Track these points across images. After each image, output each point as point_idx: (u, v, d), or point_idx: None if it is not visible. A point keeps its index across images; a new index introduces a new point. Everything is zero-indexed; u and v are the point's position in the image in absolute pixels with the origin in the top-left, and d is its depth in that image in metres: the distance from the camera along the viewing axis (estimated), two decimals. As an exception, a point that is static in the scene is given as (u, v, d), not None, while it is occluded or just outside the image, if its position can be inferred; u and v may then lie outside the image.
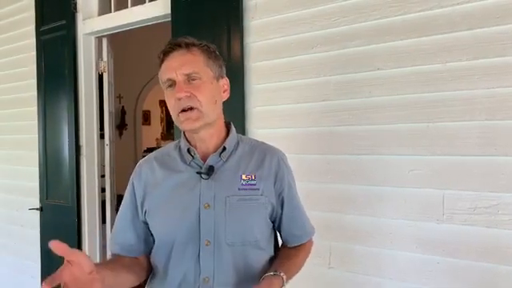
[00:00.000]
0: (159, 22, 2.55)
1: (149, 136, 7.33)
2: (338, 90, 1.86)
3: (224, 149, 1.21)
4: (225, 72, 1.25)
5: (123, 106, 6.22)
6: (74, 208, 2.86)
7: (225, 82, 1.24)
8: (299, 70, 1.96)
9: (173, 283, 1.18)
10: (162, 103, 7.32)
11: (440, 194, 1.63)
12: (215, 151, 1.21)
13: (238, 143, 1.25)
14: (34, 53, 3.07)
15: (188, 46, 1.17)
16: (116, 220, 1.28)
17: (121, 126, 6.22)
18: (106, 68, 2.97)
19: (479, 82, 1.56)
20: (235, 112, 2.03)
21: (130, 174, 1.28)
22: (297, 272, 1.25)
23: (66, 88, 2.88)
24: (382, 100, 1.75)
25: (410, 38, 1.69)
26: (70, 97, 2.87)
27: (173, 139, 1.62)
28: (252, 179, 1.19)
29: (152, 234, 1.23)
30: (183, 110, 1.14)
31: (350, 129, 1.83)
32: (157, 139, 7.76)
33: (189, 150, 1.21)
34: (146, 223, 1.23)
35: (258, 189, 1.19)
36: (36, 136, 3.06)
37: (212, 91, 1.17)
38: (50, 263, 2.86)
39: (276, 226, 1.28)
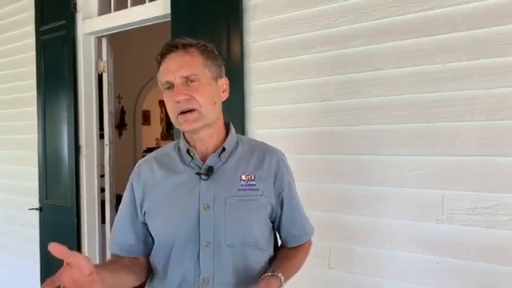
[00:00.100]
0: (159, 22, 2.55)
1: (148, 136, 7.32)
2: (338, 90, 1.85)
3: (223, 149, 1.20)
4: (224, 71, 1.24)
5: (123, 106, 6.21)
6: (74, 208, 2.86)
7: (224, 82, 1.23)
8: (299, 70, 1.95)
9: (172, 284, 1.18)
10: (162, 103, 7.21)
11: (440, 194, 1.63)
12: (215, 152, 1.20)
13: (237, 143, 1.25)
14: (33, 53, 3.07)
15: (185, 47, 1.15)
16: (115, 220, 1.28)
17: (120, 126, 6.21)
18: (106, 68, 2.97)
19: (479, 82, 1.56)
20: (235, 112, 2.02)
21: (130, 174, 1.28)
22: (295, 272, 1.25)
23: (66, 88, 2.88)
24: (381, 100, 1.75)
25: (411, 38, 1.68)
26: (70, 97, 2.86)
27: (172, 139, 1.62)
28: (252, 179, 1.19)
29: (151, 235, 1.23)
30: (182, 112, 1.13)
31: (349, 129, 1.83)
32: (156, 139, 7.75)
33: (188, 151, 1.20)
34: (145, 224, 1.23)
35: (258, 189, 1.19)
36: (36, 136, 3.06)
37: (211, 92, 1.16)
38: (49, 263, 2.85)
39: (276, 226, 1.27)
